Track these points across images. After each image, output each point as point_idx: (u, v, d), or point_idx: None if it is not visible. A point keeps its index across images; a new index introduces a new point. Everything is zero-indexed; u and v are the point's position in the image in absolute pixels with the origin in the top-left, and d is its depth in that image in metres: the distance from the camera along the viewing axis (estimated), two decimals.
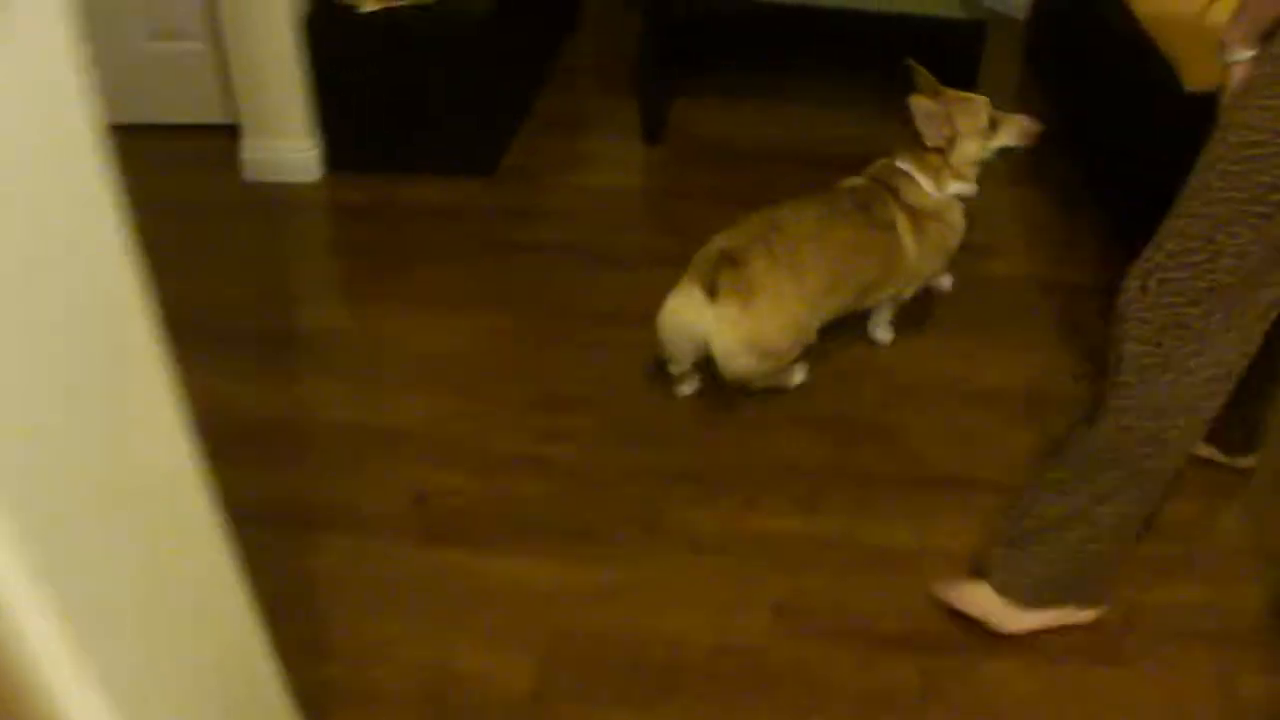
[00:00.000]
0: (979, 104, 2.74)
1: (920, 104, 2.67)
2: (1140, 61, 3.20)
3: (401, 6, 3.41)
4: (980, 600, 2.23)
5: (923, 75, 2.73)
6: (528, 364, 2.91)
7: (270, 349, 2.96)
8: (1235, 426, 2.43)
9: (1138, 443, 1.95)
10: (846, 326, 2.83)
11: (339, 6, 3.39)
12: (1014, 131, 2.77)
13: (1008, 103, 4.20)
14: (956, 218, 2.83)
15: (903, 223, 2.76)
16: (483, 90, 3.55)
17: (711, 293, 2.48)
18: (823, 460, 2.64)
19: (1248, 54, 1.85)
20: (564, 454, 2.63)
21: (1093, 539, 2.08)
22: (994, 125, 2.74)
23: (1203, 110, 3.02)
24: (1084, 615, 2.25)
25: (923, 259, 2.81)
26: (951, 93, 2.74)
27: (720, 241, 2.57)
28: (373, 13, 3.40)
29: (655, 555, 2.40)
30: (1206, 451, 2.50)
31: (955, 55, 3.58)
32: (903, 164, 2.78)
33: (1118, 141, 3.52)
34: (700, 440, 2.69)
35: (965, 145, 2.73)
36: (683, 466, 2.61)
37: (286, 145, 3.60)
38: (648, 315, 2.64)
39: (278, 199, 3.57)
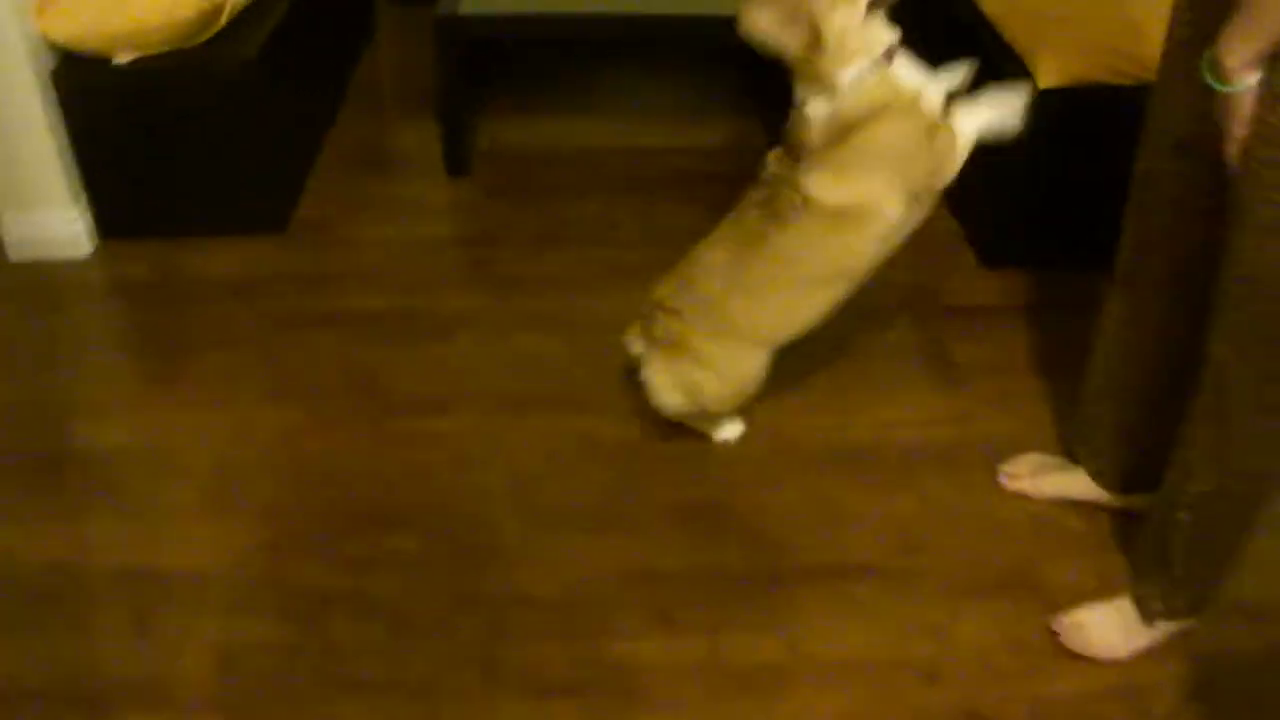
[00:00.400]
0: None
1: (757, 18, 2.19)
2: (991, 58, 2.99)
3: (160, 54, 3.05)
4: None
5: None
6: (337, 471, 2.57)
7: (36, 478, 2.56)
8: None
9: None
10: None
11: (89, 60, 3.01)
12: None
13: None
14: (881, 98, 2.23)
15: (820, 181, 2.28)
16: (259, 137, 3.19)
17: (648, 338, 2.45)
18: (681, 562, 2.39)
19: (1254, 79, 1.59)
20: (385, 586, 2.31)
21: None
22: None
23: (1059, 107, 2.88)
24: None
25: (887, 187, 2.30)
26: None
27: (656, 290, 2.46)
28: (128, 64, 3.03)
29: (497, 706, 2.11)
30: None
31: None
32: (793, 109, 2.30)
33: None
34: (542, 553, 2.39)
35: (832, 24, 2.18)
36: (523, 589, 2.32)
37: (50, 217, 3.18)
38: (469, 396, 2.45)
39: (44, 281, 3.15)
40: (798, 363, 2.64)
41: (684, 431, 2.64)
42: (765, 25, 2.17)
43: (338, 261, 3.21)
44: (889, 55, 2.22)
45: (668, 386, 2.48)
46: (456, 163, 3.55)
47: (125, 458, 2.62)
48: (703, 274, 2.45)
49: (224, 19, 3.12)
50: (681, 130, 3.88)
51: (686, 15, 3.39)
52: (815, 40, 2.15)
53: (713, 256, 2.45)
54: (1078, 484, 2.47)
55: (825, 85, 2.20)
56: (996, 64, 3.02)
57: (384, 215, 3.41)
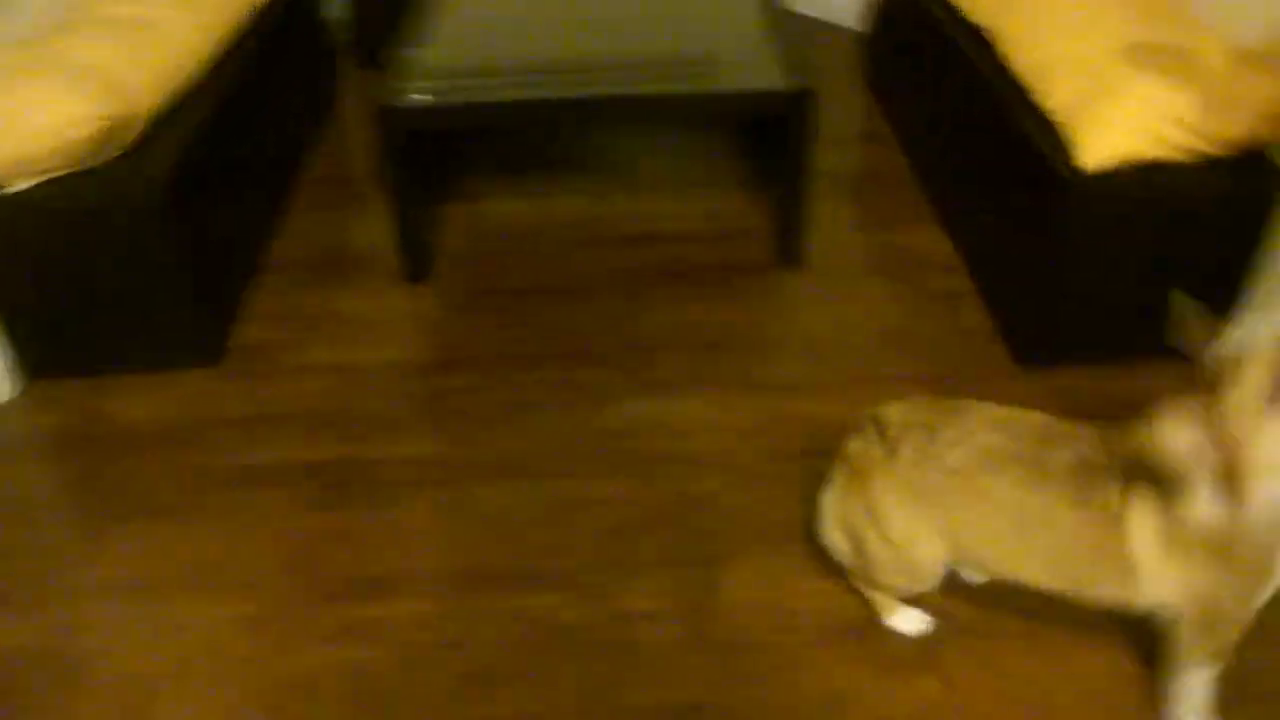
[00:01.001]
0: (1258, 372, 1.67)
1: (1168, 429, 1.75)
2: (1023, 132, 2.79)
3: (63, 177, 2.70)
4: None
5: (1194, 317, 1.78)
6: (268, 684, 2.21)
7: None
8: None
9: None
10: None
11: None
12: None
13: (849, 138, 3.56)
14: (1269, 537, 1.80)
15: (1143, 528, 1.89)
16: (177, 263, 2.81)
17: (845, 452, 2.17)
18: None
19: None
20: None
21: None
22: None
23: (1106, 188, 2.59)
24: None
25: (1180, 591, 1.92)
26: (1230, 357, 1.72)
27: (892, 407, 2.13)
28: (26, 189, 2.69)
29: None
30: None
31: (780, 131, 3.10)
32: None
33: (992, 218, 3.12)
34: None
35: (1262, 448, 1.69)
36: None
37: None
38: (419, 574, 2.28)
39: None
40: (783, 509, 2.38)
41: (656, 615, 2.31)
42: (1181, 448, 1.73)
43: (277, 399, 2.85)
44: None
45: (835, 519, 2.19)
46: (415, 267, 3.20)
47: (26, 663, 2.27)
48: (964, 440, 2.03)
49: (134, 133, 2.78)
50: (668, 208, 3.53)
51: (652, 95, 3.07)
52: (1233, 472, 1.70)
53: (989, 439, 2.02)
54: None
55: (1230, 490, 1.74)
56: (1031, 139, 2.74)
57: (331, 336, 3.06)
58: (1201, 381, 1.74)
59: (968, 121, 3.19)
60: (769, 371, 2.91)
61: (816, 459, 2.55)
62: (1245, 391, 1.65)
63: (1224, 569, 1.81)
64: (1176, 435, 1.71)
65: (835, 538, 2.23)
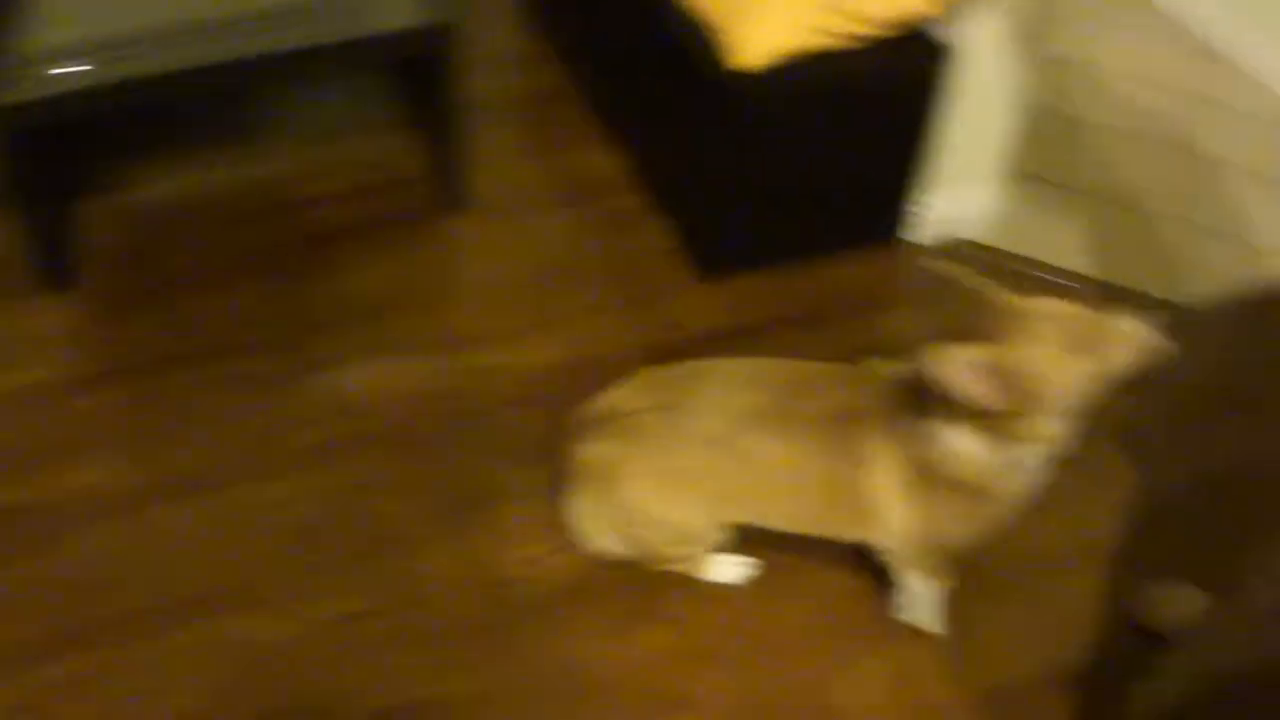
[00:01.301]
0: (1053, 327, 1.67)
1: (951, 365, 1.67)
2: (679, 41, 2.70)
3: None
4: None
5: (956, 267, 1.80)
6: None
7: None
8: None
9: None
10: None
11: None
12: (1121, 352, 1.67)
13: (506, 61, 3.43)
14: (1016, 487, 1.88)
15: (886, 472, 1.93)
16: None
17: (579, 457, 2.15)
18: None
19: None
20: None
21: None
22: (1090, 345, 1.66)
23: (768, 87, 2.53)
24: None
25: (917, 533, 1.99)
26: (1009, 300, 1.72)
27: (614, 393, 2.12)
28: None
29: None
30: None
31: (423, 72, 2.96)
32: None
33: (660, 130, 3.06)
34: None
35: (1052, 395, 1.70)
36: None
37: None
38: (100, 620, 2.19)
39: None
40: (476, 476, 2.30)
41: (360, 616, 2.22)
42: (964, 382, 1.67)
43: None
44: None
45: (597, 529, 2.19)
46: (56, 274, 2.91)
47: None
48: (712, 408, 2.01)
49: None
50: (325, 163, 3.31)
51: (277, 52, 2.80)
52: (1020, 409, 1.70)
53: (740, 400, 2.01)
54: None
55: (998, 441, 1.77)
56: (686, 45, 2.67)
57: None
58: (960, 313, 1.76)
59: (625, 32, 3.11)
60: (448, 327, 2.81)
61: (506, 411, 2.49)
62: (1042, 339, 1.65)
63: (965, 509, 1.89)
64: (959, 374, 1.67)
65: (605, 543, 2.19)
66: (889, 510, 1.93)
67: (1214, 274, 2.93)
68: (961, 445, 1.80)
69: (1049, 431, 1.75)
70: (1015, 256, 3.01)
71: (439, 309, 2.87)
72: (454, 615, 2.23)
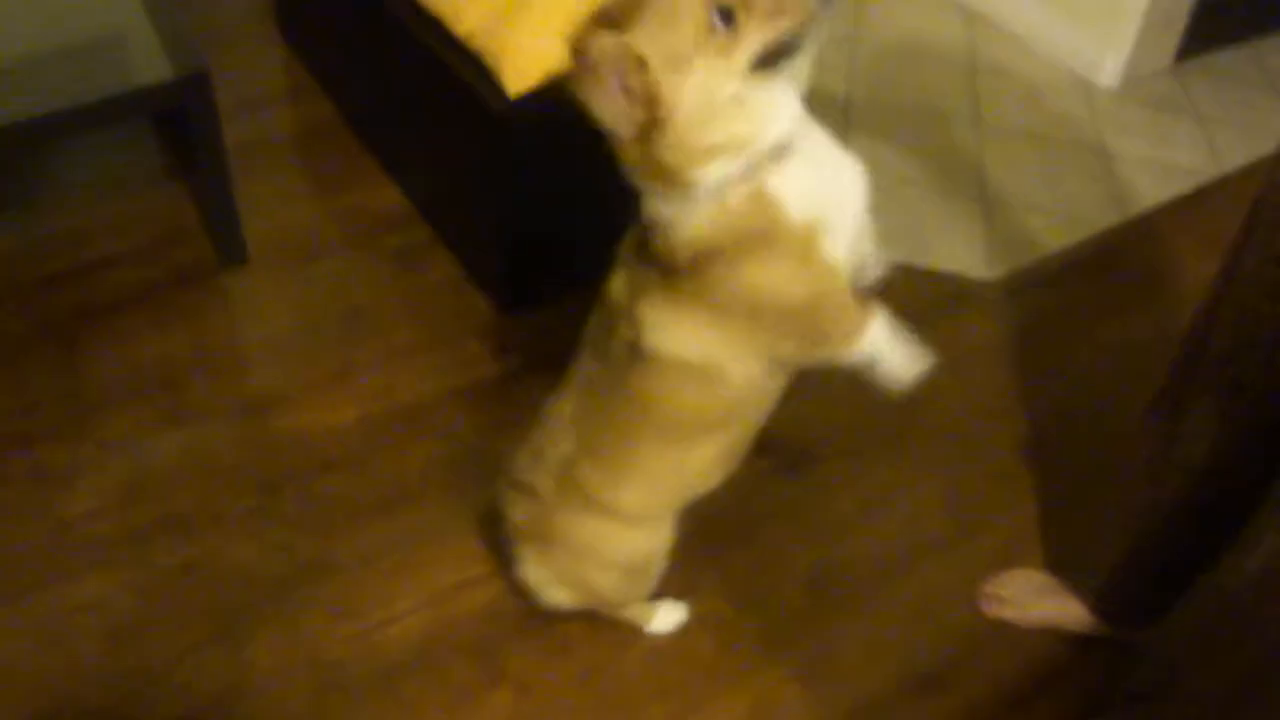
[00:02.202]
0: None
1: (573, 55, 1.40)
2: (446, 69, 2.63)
3: None
4: None
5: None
6: None
7: None
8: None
9: None
10: None
11: None
12: (765, 15, 1.40)
13: (270, 99, 3.28)
14: (751, 223, 1.52)
15: (657, 321, 1.63)
16: None
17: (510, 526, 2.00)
18: None
19: None
20: None
21: None
22: (730, 18, 1.39)
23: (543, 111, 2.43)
24: None
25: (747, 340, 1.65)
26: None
27: (509, 462, 1.99)
28: None
29: None
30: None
31: (185, 123, 2.80)
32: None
33: (436, 163, 2.97)
34: None
35: (687, 87, 1.42)
36: None
37: None
38: None
39: None
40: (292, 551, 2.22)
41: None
42: (587, 94, 1.43)
43: None
44: (778, 154, 1.50)
45: (547, 582, 2.05)
46: None
47: None
48: (549, 437, 1.89)
49: None
50: (94, 223, 3.12)
51: (23, 120, 2.62)
52: (653, 117, 1.42)
53: (559, 409, 1.88)
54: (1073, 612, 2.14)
55: (673, 187, 1.50)
56: (452, 72, 2.59)
57: None
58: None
59: (389, 63, 2.99)
60: (245, 390, 2.68)
61: (319, 477, 2.40)
62: (659, 9, 1.41)
63: (741, 278, 1.58)
64: (582, 86, 1.44)
65: (562, 597, 2.09)
66: (707, 347, 1.64)
67: (1008, 243, 2.99)
68: (657, 218, 1.58)
69: (713, 139, 1.47)
70: None
71: (233, 371, 2.73)
72: (282, 706, 2.12)
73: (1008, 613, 2.24)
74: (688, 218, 1.53)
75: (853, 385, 2.44)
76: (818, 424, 2.60)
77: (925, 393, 2.48)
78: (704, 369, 1.66)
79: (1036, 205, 3.24)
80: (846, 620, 2.27)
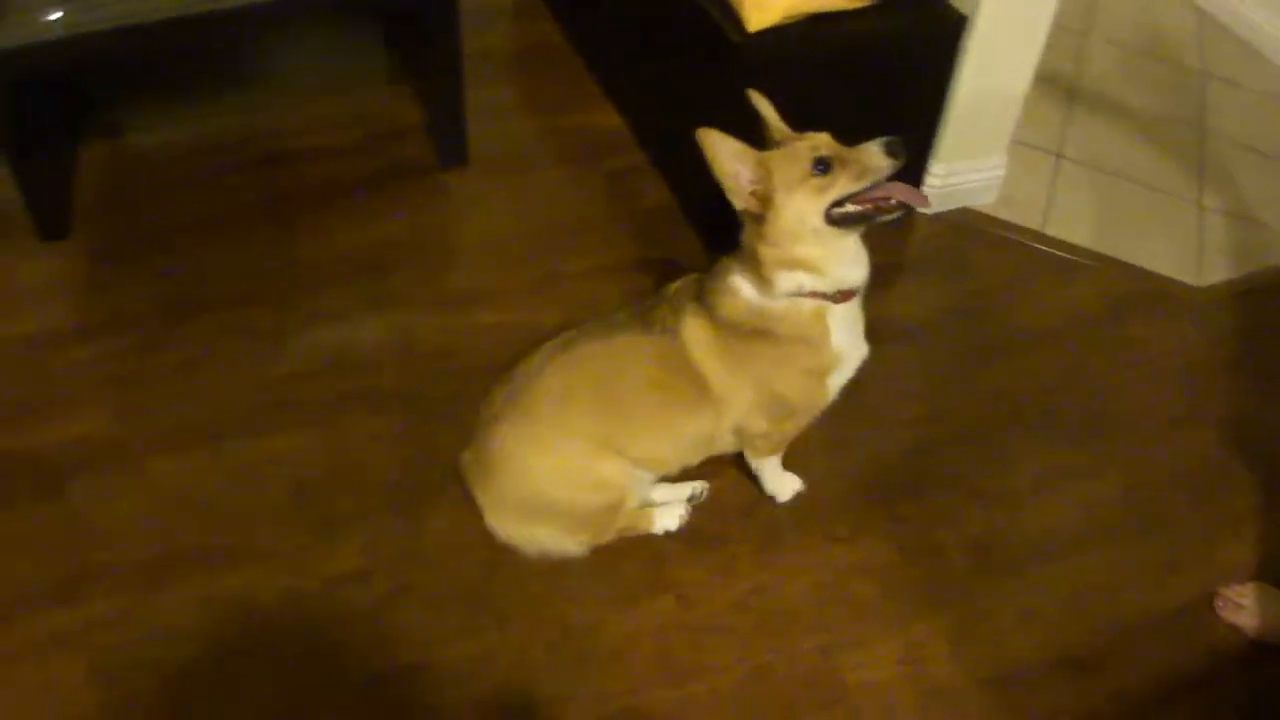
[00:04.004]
0: (803, 145, 1.89)
1: (714, 139, 1.85)
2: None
3: None
4: None
5: (764, 107, 2.00)
6: None
7: None
8: None
9: None
10: None
11: None
12: (851, 175, 1.88)
13: (502, 14, 3.46)
14: (802, 330, 1.99)
15: (699, 338, 2.05)
16: None
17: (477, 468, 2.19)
18: None
19: None
20: None
21: None
22: (826, 169, 1.86)
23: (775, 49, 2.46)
24: None
25: (741, 391, 2.07)
26: (789, 135, 1.96)
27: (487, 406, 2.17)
28: None
29: None
30: None
31: (421, 25, 2.91)
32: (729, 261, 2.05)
33: (663, 92, 3.03)
34: None
35: (787, 206, 1.88)
36: None
37: None
38: (98, 572, 2.14)
39: None
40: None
41: (362, 575, 2.21)
42: (722, 150, 1.88)
43: None
44: (842, 296, 1.97)
45: (514, 527, 2.18)
46: (51, 223, 2.84)
47: None
48: (539, 357, 2.14)
49: None
50: (321, 115, 3.27)
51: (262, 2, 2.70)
52: (764, 208, 1.90)
53: (563, 338, 2.15)
54: None
55: (760, 276, 1.95)
56: (695, 7, 2.64)
57: None
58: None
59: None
60: (449, 285, 2.78)
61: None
62: (789, 150, 1.91)
63: (770, 355, 2.02)
64: (721, 149, 1.88)
65: (526, 534, 2.20)
66: (715, 375, 2.04)
67: (1221, 251, 2.94)
68: (736, 283, 1.99)
69: (797, 253, 1.92)
70: (1021, 229, 3.00)
71: (443, 264, 2.85)
72: (457, 576, 2.21)
73: (1242, 619, 2.24)
74: (761, 300, 1.96)
75: (1047, 363, 2.47)
76: (1008, 397, 2.59)
77: (1116, 387, 2.49)
78: (707, 395, 2.07)
79: (1255, 219, 3.17)
80: (1006, 589, 2.27)
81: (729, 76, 2.56)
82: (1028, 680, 2.12)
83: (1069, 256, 2.96)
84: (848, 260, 1.95)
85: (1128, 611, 2.24)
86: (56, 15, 2.57)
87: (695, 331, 2.03)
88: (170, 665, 2.07)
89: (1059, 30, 3.53)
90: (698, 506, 2.31)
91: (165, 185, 3.01)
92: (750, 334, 1.99)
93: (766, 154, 1.90)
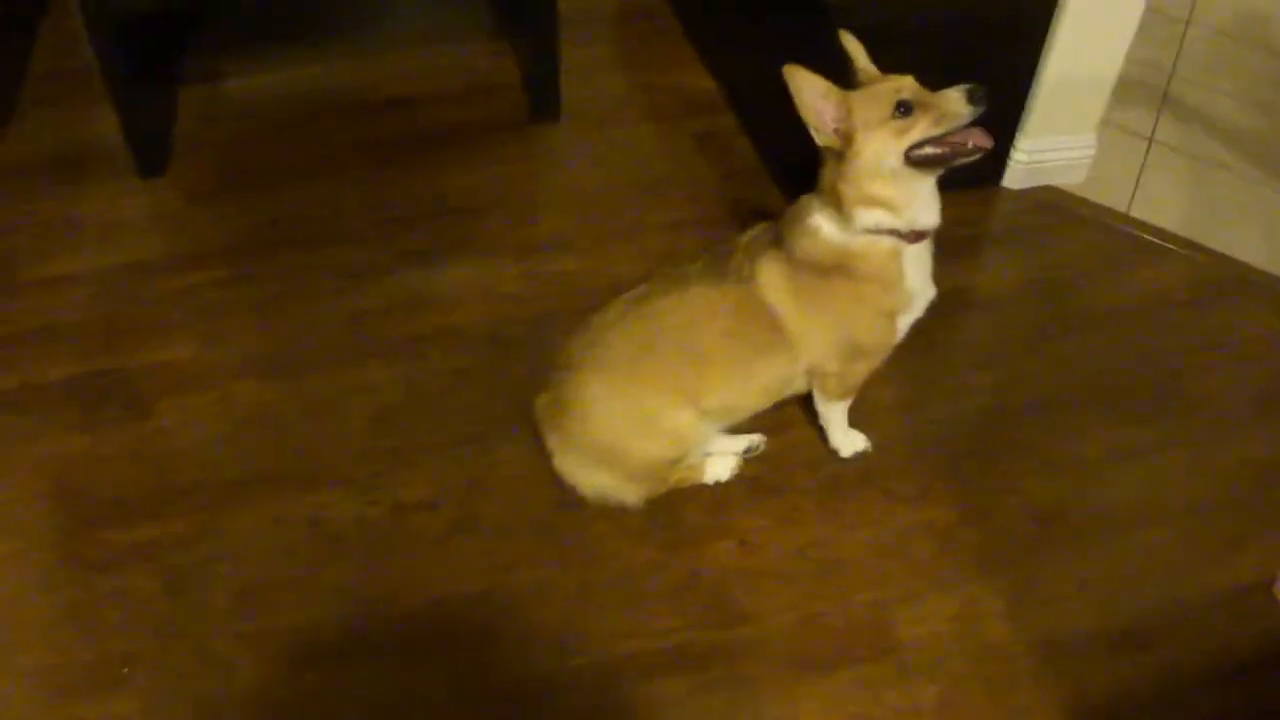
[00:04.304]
0: (886, 87, 1.93)
1: (800, 76, 1.88)
2: None
3: None
4: None
5: (855, 48, 2.02)
6: (57, 603, 2.14)
7: None
8: None
9: None
10: None
11: None
12: (931, 119, 1.91)
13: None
14: (878, 267, 2.04)
15: (776, 282, 2.08)
16: None
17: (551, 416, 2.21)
18: (452, 685, 2.06)
19: None
20: None
21: None
22: (908, 111, 1.90)
23: None
24: None
25: (817, 331, 2.11)
26: (876, 76, 1.99)
27: (563, 352, 2.19)
28: None
29: None
30: None
31: None
32: (810, 200, 2.08)
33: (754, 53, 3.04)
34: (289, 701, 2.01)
35: (868, 145, 1.91)
36: None
37: None
38: (182, 489, 2.26)
39: None
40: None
41: (433, 503, 2.28)
42: (806, 88, 1.90)
43: (19, 316, 2.65)
44: (916, 236, 2.01)
45: (584, 469, 2.21)
46: (150, 160, 2.97)
47: None
48: (612, 309, 2.18)
49: None
50: (415, 66, 3.35)
51: None
52: (846, 146, 1.93)
53: (633, 293, 2.19)
54: None
55: (840, 213, 1.99)
56: None
57: (65, 243, 2.84)
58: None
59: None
60: (534, 232, 2.83)
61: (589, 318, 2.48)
62: (872, 90, 1.93)
63: (849, 293, 2.06)
64: (806, 77, 1.90)
65: (592, 480, 2.23)
66: (791, 316, 2.08)
67: None
68: (816, 221, 2.02)
69: (875, 191, 1.95)
70: (1107, 209, 2.99)
71: (530, 212, 2.92)
72: (523, 510, 2.27)
73: None
74: (841, 237, 2.00)
75: (1124, 341, 2.46)
76: (1082, 371, 2.59)
77: (1193, 370, 2.48)
78: (781, 337, 2.10)
79: None
80: (1064, 558, 2.27)
81: (821, 38, 2.58)
82: (1079, 647, 2.12)
83: (1154, 240, 2.94)
84: (922, 202, 1.98)
85: (1185, 590, 2.22)
86: None
87: (772, 274, 2.06)
88: (243, 581, 2.15)
89: (1160, 16, 3.52)
90: (761, 457, 2.34)
91: (262, 129, 3.11)
92: (828, 271, 2.03)
93: (850, 93, 1.92)
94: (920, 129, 1.89)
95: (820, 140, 1.94)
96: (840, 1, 2.54)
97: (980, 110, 1.88)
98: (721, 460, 2.30)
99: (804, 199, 2.08)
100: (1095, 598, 2.21)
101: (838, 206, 1.98)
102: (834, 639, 2.12)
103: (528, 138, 3.07)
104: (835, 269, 2.03)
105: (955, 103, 1.88)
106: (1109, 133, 3.15)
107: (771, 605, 2.15)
